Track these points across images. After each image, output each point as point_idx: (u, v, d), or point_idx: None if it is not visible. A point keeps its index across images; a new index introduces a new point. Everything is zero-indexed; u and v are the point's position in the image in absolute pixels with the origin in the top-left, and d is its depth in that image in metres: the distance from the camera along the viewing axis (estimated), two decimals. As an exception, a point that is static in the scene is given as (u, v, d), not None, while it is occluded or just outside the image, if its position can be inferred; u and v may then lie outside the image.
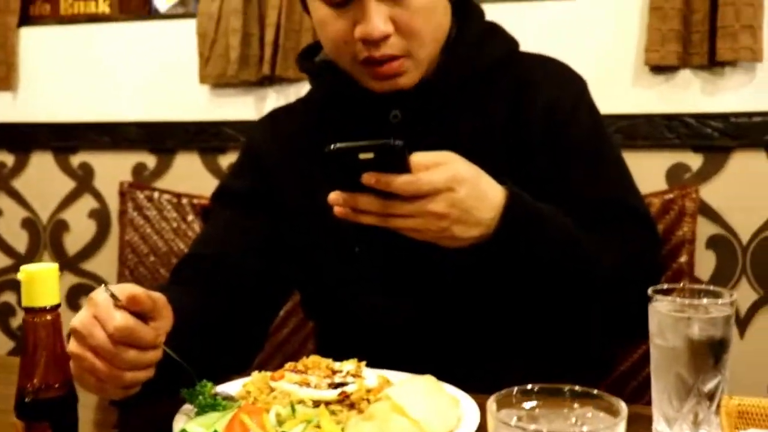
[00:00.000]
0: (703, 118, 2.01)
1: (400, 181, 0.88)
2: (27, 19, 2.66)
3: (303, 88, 2.23)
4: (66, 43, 2.61)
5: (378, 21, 1.02)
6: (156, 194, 2.34)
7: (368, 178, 0.88)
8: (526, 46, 1.22)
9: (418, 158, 0.90)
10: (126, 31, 2.55)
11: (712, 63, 1.97)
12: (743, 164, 1.99)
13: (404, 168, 0.88)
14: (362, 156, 0.87)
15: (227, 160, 2.46)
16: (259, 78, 2.34)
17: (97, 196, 2.63)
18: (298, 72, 2.09)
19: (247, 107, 2.40)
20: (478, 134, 1.12)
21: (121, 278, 2.37)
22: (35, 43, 2.64)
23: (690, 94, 2.02)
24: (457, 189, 0.90)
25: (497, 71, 1.15)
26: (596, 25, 2.09)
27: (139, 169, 2.56)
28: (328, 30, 1.07)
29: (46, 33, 2.64)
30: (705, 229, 2.01)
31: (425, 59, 1.09)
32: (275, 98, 2.38)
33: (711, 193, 2.02)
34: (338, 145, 0.87)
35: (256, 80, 2.34)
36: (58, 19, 2.66)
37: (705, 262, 2.02)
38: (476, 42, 1.15)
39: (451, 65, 1.13)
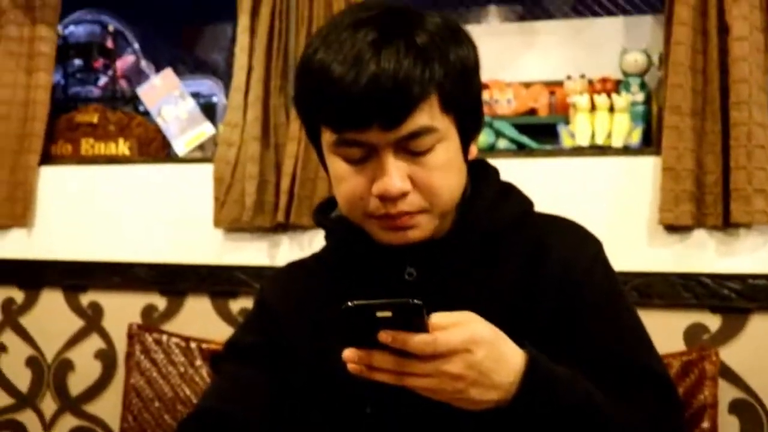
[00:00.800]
0: (719, 278, 1.99)
1: (416, 341, 0.87)
2: (48, 158, 2.69)
3: (317, 237, 2.27)
4: (84, 183, 2.63)
5: (396, 178, 1.01)
6: (164, 337, 2.32)
7: (385, 336, 0.87)
8: (540, 204, 1.22)
9: (436, 318, 0.89)
10: (144, 174, 2.58)
11: (727, 224, 1.98)
12: (763, 327, 1.97)
13: (422, 327, 0.88)
14: (380, 314, 0.87)
15: (238, 305, 2.43)
16: (274, 225, 2.34)
17: (105, 336, 2.59)
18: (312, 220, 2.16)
19: (260, 253, 2.39)
20: (493, 294, 1.11)
21: (124, 423, 2.32)
22: (54, 182, 2.67)
23: (706, 254, 2.01)
24: (475, 351, 0.89)
25: (512, 231, 1.14)
26: (610, 184, 2.10)
27: (148, 311, 2.53)
28: (345, 185, 1.07)
29: (66, 172, 2.67)
30: (727, 393, 1.96)
31: (440, 215, 1.08)
32: (289, 245, 2.37)
33: (731, 355, 1.98)
34: (356, 302, 0.86)
35: (270, 227, 2.34)
36: (78, 159, 2.69)
37: (728, 428, 1.96)
38: (491, 201, 1.13)
39: (466, 224, 1.13)
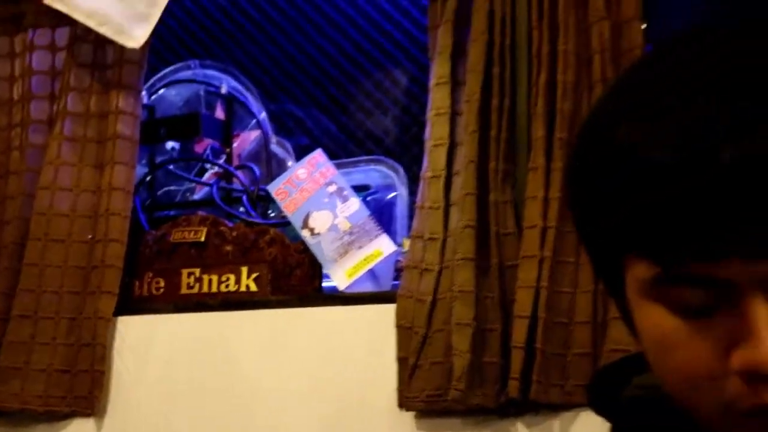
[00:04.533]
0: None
1: None
2: (128, 302, 2.34)
3: (579, 424, 2.01)
4: (186, 341, 2.28)
5: None
6: None
7: None
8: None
9: None
10: (282, 322, 2.23)
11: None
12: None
13: None
14: None
15: None
16: (501, 403, 1.99)
17: None
18: (567, 394, 1.95)
19: (477, 454, 2.21)
20: None
21: None
22: (138, 341, 2.34)
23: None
24: None
25: None
26: None
27: None
28: (677, 356, 0.71)
29: (157, 325, 2.34)
30: None
31: None
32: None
33: None
34: None
35: (494, 406, 1.98)
36: (177, 302, 2.35)
37: None
38: None
39: None
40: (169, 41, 2.89)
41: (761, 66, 0.69)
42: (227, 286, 2.32)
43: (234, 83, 2.65)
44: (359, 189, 2.42)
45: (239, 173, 2.54)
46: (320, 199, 2.28)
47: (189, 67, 2.66)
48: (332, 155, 2.44)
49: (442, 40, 2.16)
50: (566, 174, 0.78)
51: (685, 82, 0.70)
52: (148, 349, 2.34)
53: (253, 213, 2.45)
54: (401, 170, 2.52)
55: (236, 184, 2.55)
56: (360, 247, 2.23)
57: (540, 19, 2.07)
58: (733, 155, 0.65)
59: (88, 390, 2.23)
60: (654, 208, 0.70)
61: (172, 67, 2.67)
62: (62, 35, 2.40)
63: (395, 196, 2.51)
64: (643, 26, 2.06)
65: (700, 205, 0.68)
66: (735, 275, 0.70)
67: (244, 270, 2.30)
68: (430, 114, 2.14)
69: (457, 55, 2.15)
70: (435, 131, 2.13)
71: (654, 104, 0.71)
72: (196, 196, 2.62)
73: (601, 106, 0.76)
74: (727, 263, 0.69)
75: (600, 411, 0.85)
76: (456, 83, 2.15)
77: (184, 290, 2.35)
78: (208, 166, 2.61)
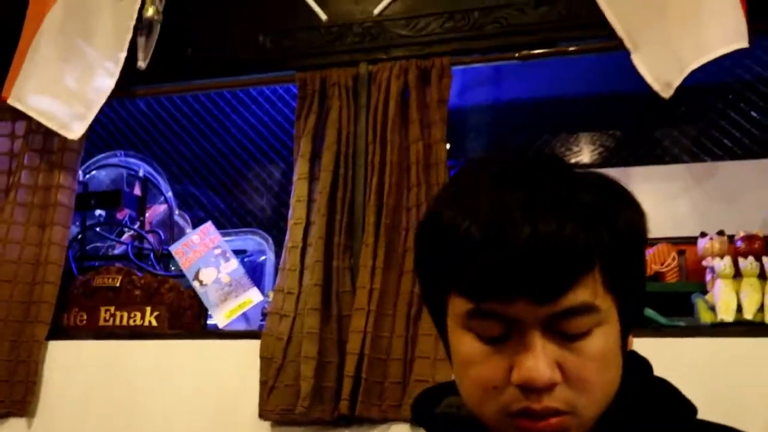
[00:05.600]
0: None
1: None
2: (58, 330, 2.60)
3: None
4: (101, 362, 2.50)
5: (544, 365, 0.91)
6: None
7: None
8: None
9: None
10: (175, 351, 2.47)
11: None
12: None
13: None
14: None
15: None
16: (335, 417, 2.22)
17: None
18: (383, 411, 2.19)
19: (317, 455, 2.26)
20: None
21: None
22: (64, 360, 2.54)
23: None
24: None
25: None
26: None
27: None
28: (475, 371, 0.95)
29: (79, 348, 2.57)
30: None
31: (590, 420, 0.97)
32: (354, 444, 2.27)
33: None
34: None
35: (330, 419, 2.22)
36: (96, 331, 2.62)
37: None
38: (644, 405, 1.04)
39: (613, 427, 1.03)
40: (101, 135, 3.16)
41: (529, 174, 0.93)
42: (134, 321, 2.60)
43: (149, 168, 2.99)
44: (238, 252, 2.71)
45: (149, 236, 2.88)
46: (208, 258, 2.57)
47: (116, 155, 3.01)
48: (219, 226, 2.74)
49: (303, 147, 2.47)
50: (414, 243, 1.01)
51: (486, 184, 0.93)
52: (72, 367, 2.52)
53: (157, 267, 2.77)
54: (270, 240, 2.87)
55: (146, 244, 2.87)
56: (236, 296, 2.53)
57: (374, 137, 2.42)
58: (525, 233, 0.87)
59: (23, 396, 2.45)
60: (470, 265, 0.90)
61: (102, 155, 3.01)
62: (20, 127, 2.70)
63: (265, 259, 2.82)
64: (447, 146, 2.41)
65: (501, 264, 0.88)
66: (522, 314, 0.90)
67: (148, 309, 2.58)
68: (292, 200, 2.44)
69: (314, 158, 2.46)
70: (295, 213, 2.41)
71: (467, 199, 0.93)
72: (116, 252, 2.91)
73: (433, 203, 0.98)
74: (518, 305, 0.90)
75: (420, 423, 1.09)
76: (312, 179, 2.45)
77: (101, 323, 2.61)
78: (126, 229, 2.89)
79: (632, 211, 0.99)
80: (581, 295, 0.92)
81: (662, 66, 2.23)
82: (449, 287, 0.97)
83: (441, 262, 0.97)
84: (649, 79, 2.23)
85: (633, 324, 1.02)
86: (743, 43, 2.12)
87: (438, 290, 1.00)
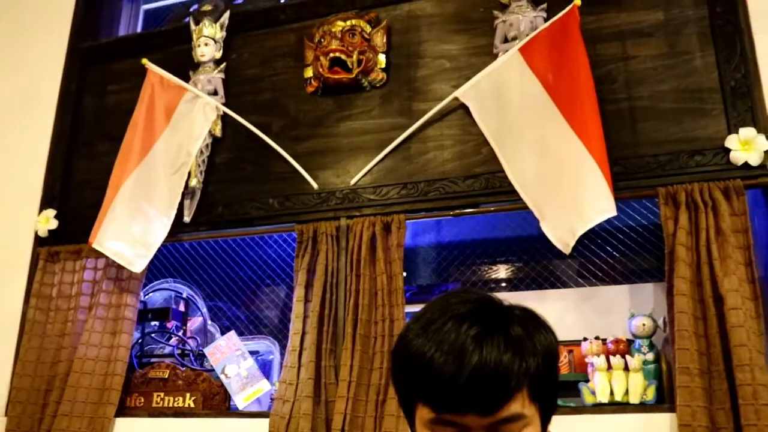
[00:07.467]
0: None
1: None
2: (123, 409, 2.79)
3: None
4: None
5: None
6: None
7: None
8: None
9: None
10: (207, 426, 2.63)
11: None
12: None
13: None
14: None
15: None
16: None
17: None
18: None
19: None
20: None
21: None
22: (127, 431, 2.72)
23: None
24: None
25: None
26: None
27: None
28: None
29: (138, 424, 2.73)
30: None
31: None
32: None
33: None
34: None
35: None
36: (149, 411, 2.78)
37: None
38: None
39: None
40: (158, 266, 3.27)
41: (480, 309, 1.03)
42: (178, 404, 2.73)
43: (190, 291, 3.16)
44: (253, 352, 2.83)
45: (189, 341, 3.00)
46: (232, 357, 2.70)
47: (167, 281, 3.19)
48: (240, 332, 2.89)
49: (300, 278, 2.64)
50: (392, 362, 1.08)
51: (445, 319, 1.03)
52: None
53: (195, 363, 2.89)
54: (277, 344, 3.01)
55: (187, 347, 2.97)
56: (252, 386, 2.68)
57: (351, 271, 2.57)
58: (474, 361, 0.97)
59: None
60: (436, 384, 1.00)
61: (157, 281, 3.19)
62: (101, 262, 2.91)
63: (273, 358, 2.93)
64: (404, 274, 2.53)
65: (457, 384, 0.99)
66: (471, 423, 1.00)
67: (188, 395, 2.72)
68: (293, 316, 2.57)
69: (308, 286, 2.61)
70: (295, 326, 2.54)
71: (434, 334, 1.02)
72: (165, 352, 2.99)
73: (406, 331, 1.07)
74: (468, 417, 1.00)
75: None
76: (307, 301, 2.60)
77: (154, 404, 2.75)
78: (173, 336, 3.00)
79: (547, 335, 1.08)
80: (514, 407, 1.02)
81: (561, 232, 2.35)
82: (419, 399, 1.06)
83: (412, 379, 1.05)
84: (554, 240, 2.37)
85: (550, 417, 1.12)
86: (612, 212, 2.30)
87: (410, 399, 1.08)
